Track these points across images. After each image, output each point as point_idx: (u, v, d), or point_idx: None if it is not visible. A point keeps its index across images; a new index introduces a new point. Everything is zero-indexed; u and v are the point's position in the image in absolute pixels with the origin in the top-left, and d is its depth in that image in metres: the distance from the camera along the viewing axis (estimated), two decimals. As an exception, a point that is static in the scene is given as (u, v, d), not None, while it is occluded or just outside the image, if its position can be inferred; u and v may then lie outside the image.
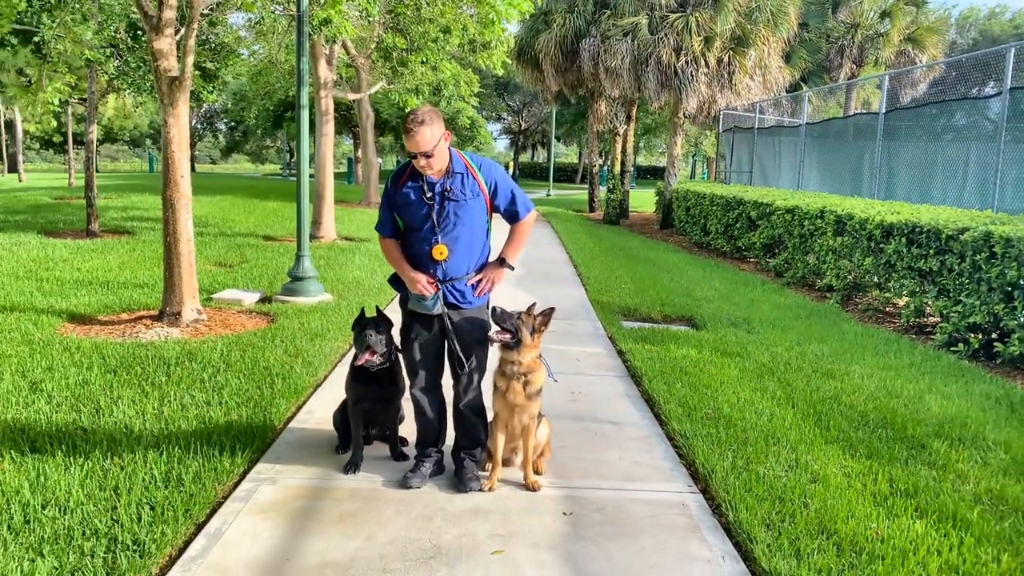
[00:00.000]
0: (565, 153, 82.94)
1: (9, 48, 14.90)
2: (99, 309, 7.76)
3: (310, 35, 9.34)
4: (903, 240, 8.26)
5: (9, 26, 7.36)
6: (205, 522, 3.46)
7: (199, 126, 59.83)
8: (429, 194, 3.65)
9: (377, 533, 3.40)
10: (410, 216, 3.71)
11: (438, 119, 3.55)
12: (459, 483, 3.81)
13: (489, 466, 3.99)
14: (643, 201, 30.08)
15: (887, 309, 9.29)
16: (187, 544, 3.26)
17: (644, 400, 5.50)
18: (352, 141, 43.19)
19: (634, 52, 17.93)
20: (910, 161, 11.95)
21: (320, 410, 5.00)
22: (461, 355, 3.80)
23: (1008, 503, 3.84)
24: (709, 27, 17.43)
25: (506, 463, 4.08)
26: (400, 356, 4.05)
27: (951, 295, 7.52)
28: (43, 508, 3.43)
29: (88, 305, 7.89)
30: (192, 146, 60.23)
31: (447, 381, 3.99)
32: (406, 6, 11.84)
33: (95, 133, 14.05)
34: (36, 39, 14.14)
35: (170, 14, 6.95)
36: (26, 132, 44.55)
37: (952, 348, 7.35)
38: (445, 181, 3.66)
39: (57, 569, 2.97)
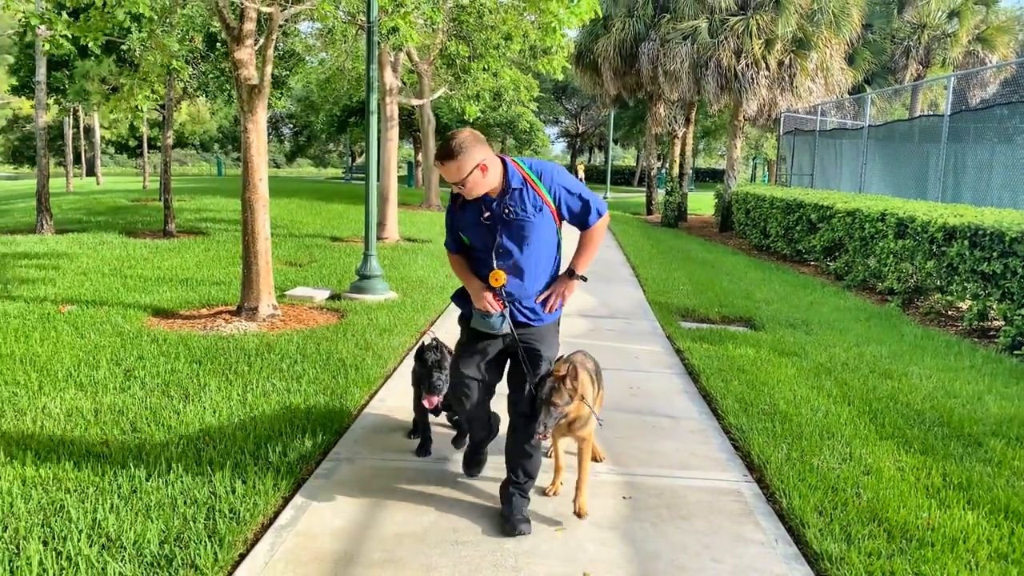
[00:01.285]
0: (623, 156, 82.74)
1: (94, 58, 15.75)
2: (180, 304, 8.23)
3: (378, 43, 9.69)
4: (966, 243, 8.22)
5: (102, 38, 7.86)
6: (291, 496, 3.77)
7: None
8: (487, 214, 3.34)
9: (448, 508, 3.67)
10: (471, 236, 3.43)
11: (474, 147, 3.19)
12: (506, 523, 3.49)
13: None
14: (702, 204, 29.92)
15: (949, 313, 9.23)
16: (277, 514, 3.57)
17: (701, 396, 5.65)
18: (412, 145, 43.89)
19: (693, 55, 17.98)
20: (977, 164, 11.79)
21: (391, 398, 5.30)
22: (537, 374, 3.46)
23: (1062, 498, 3.91)
24: (770, 29, 17.38)
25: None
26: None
27: (1015, 298, 7.47)
28: (147, 480, 3.79)
29: (170, 300, 8.37)
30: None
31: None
32: (468, 14, 12.16)
33: (171, 138, 14.74)
34: (123, 48, 14.91)
35: (250, 26, 7.37)
36: (101, 137, 46.38)
37: (1015, 352, 7.31)
38: (503, 200, 3.32)
39: (164, 531, 3.30)
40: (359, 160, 62.55)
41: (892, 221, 9.95)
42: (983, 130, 11.85)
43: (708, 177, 59.64)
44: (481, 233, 3.37)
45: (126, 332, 6.87)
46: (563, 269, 3.57)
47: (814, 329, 8.04)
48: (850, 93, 21.05)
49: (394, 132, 14.49)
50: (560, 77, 13.46)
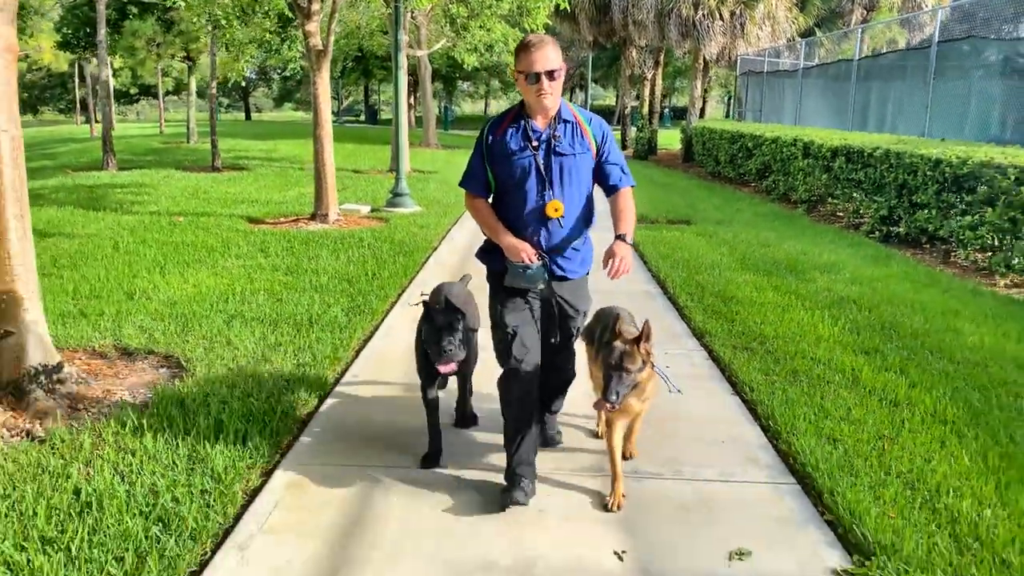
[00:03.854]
0: (604, 95, 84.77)
1: (138, 18, 18.20)
2: (264, 215, 11.09)
3: (398, 7, 12.34)
4: (843, 158, 11.19)
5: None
6: (404, 290, 6.72)
7: (254, 77, 63.12)
8: (535, 143, 3.15)
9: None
10: (510, 170, 3.18)
11: (559, 47, 3.11)
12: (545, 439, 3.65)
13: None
14: (672, 139, 32.69)
15: (838, 214, 12.23)
16: (401, 295, 6.53)
17: (653, 276, 8.61)
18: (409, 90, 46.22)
19: (658, 6, 20.64)
20: (880, 99, 14.67)
21: (425, 276, 8.25)
22: (575, 327, 3.43)
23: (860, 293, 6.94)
24: (724, -17, 20.02)
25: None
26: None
27: (871, 196, 10.47)
28: (279, 301, 6.72)
29: (256, 212, 11.23)
30: (246, 96, 64.06)
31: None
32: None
33: (215, 88, 17.35)
34: (165, 9, 17.34)
35: (317, 6, 10.07)
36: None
37: (870, 234, 10.33)
38: (552, 129, 3.17)
39: (283, 343, 6.23)
40: (345, 103, 65.42)
41: (800, 145, 12.90)
42: (881, 71, 14.70)
43: (682, 116, 61.99)
44: (524, 165, 3.16)
45: (239, 230, 9.75)
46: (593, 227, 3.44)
47: (732, 224, 11.03)
48: (803, 36, 23.74)
49: (404, 79, 17.15)
50: (542, 31, 16.12)
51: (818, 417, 4.07)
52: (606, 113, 63.44)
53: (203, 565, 2.77)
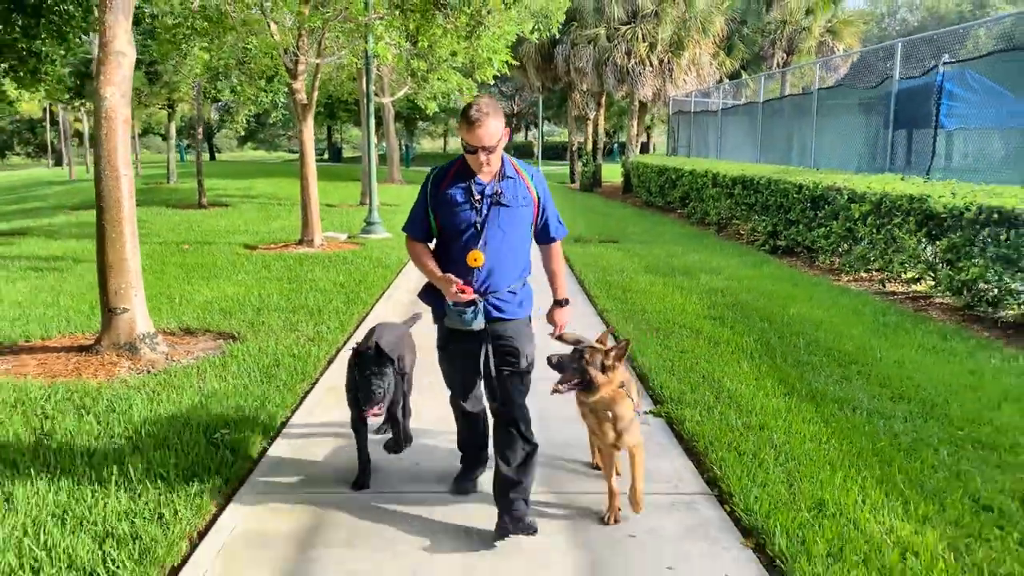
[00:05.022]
0: (559, 132, 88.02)
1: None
2: (257, 242, 13.09)
3: (368, 64, 14.52)
4: (740, 187, 13.58)
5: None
6: (370, 310, 8.78)
7: (216, 117, 64.91)
8: (477, 197, 3.31)
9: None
10: (452, 220, 3.35)
11: (500, 112, 3.27)
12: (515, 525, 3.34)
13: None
14: (616, 173, 35.37)
15: (740, 232, 14.61)
16: (379, 297, 8.60)
17: (576, 278, 10.78)
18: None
19: (596, 56, 23.19)
20: (785, 135, 17.19)
21: (400, 282, 10.32)
22: (516, 371, 3.43)
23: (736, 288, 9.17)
24: (653, 35, 22.65)
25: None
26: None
27: (761, 217, 12.83)
28: (290, 299, 8.76)
29: (250, 240, 13.23)
30: (210, 137, 65.82)
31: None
32: (426, 40, 16.99)
33: (201, 134, 19.35)
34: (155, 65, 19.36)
35: (302, 67, 12.21)
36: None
37: (763, 247, 12.65)
38: (496, 184, 3.34)
39: (303, 321, 8.29)
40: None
41: (710, 176, 15.31)
42: (780, 111, 17.25)
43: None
44: (465, 216, 3.31)
45: (240, 254, 11.75)
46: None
47: (651, 243, 13.31)
48: (731, 78, 26.52)
49: (373, 126, 19.35)
50: (491, 81, 18.40)
51: (663, 348, 6.25)
52: (559, 149, 66.49)
53: (286, 422, 4.81)
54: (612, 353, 3.36)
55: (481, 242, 3.30)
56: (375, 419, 3.77)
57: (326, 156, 58.96)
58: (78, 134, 48.45)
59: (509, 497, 3.34)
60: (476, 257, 3.30)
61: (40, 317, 7.44)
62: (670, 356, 6.08)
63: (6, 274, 9.98)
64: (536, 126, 68.56)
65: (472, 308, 3.31)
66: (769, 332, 6.89)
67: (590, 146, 27.97)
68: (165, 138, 73.51)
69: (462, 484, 3.83)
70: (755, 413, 4.80)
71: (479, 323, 3.34)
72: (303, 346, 6.30)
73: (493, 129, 3.17)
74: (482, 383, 3.54)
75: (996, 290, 7.14)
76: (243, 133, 70.20)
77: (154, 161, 62.13)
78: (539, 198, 3.47)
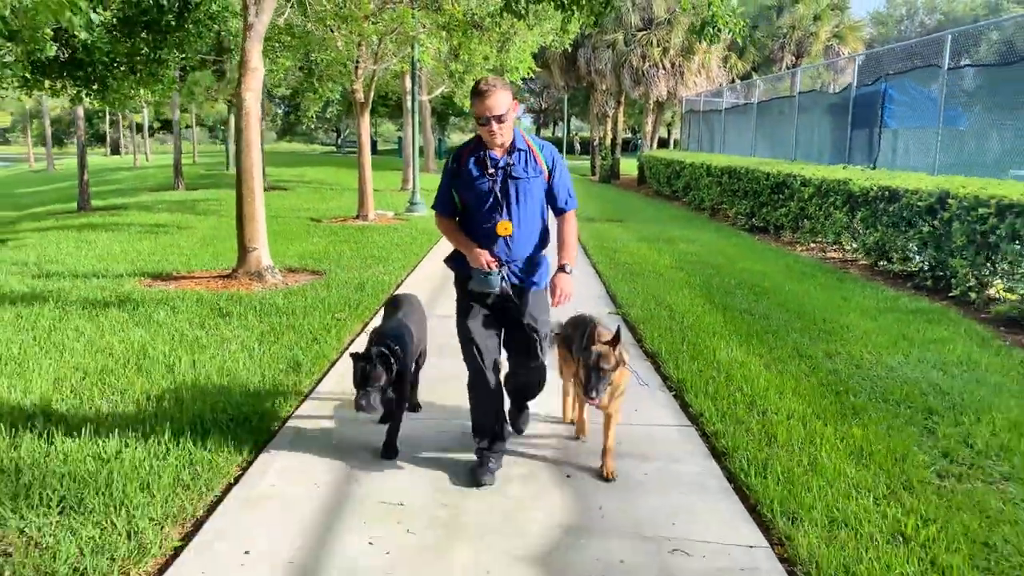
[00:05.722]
0: (585, 127, 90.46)
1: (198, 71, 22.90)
2: (320, 217, 15.74)
3: (413, 68, 17.09)
4: (727, 176, 15.99)
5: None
6: (421, 260, 11.36)
7: (281, 112, 68.08)
8: (491, 170, 3.58)
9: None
10: (472, 193, 3.64)
11: (508, 86, 3.54)
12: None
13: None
14: (634, 167, 37.78)
15: (728, 215, 16.99)
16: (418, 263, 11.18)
17: (580, 246, 13.28)
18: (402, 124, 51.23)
19: (614, 59, 25.59)
20: (770, 132, 19.51)
21: (440, 246, 12.90)
22: (536, 335, 3.79)
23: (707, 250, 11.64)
24: (665, 41, 25.01)
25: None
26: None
27: (742, 201, 15.22)
28: (359, 255, 11.36)
29: (317, 214, 15.88)
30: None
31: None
32: (466, 53, 19.59)
33: (264, 126, 22.07)
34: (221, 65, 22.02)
35: (361, 71, 14.81)
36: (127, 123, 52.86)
37: (743, 227, 15.03)
38: (508, 157, 3.61)
39: (375, 267, 10.89)
40: (342, 136, 71.06)
41: (704, 167, 17.72)
42: (770, 111, 19.57)
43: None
44: (483, 189, 3.61)
45: (311, 225, 14.40)
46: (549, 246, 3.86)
47: (650, 223, 15.76)
48: (743, 79, 28.77)
49: (416, 122, 22.00)
50: (520, 82, 20.90)
51: (632, 283, 8.75)
52: (585, 145, 68.94)
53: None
54: (616, 348, 3.67)
55: (502, 213, 3.62)
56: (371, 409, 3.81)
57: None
58: (138, 126, 51.88)
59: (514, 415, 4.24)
60: (506, 226, 3.62)
61: (177, 261, 10.12)
62: (635, 287, 8.59)
63: (130, 235, 12.73)
64: (563, 121, 71.23)
65: (498, 272, 3.64)
66: (714, 276, 9.36)
67: (608, 141, 30.42)
68: (212, 130, 76.92)
69: (481, 474, 3.78)
70: (682, 315, 7.30)
71: (504, 285, 3.67)
72: (378, 275, 8.90)
73: (502, 99, 3.47)
74: (499, 345, 3.87)
75: (888, 248, 9.55)
76: (280, 127, 73.75)
77: (206, 152, 65.73)
78: (550, 169, 3.72)
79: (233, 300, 7.60)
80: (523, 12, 7.24)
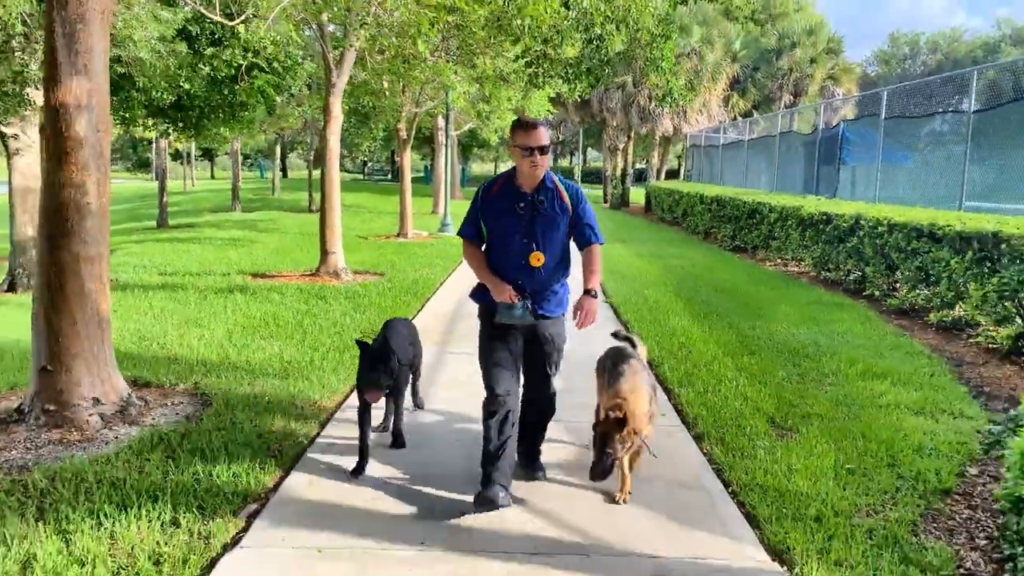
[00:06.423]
0: (599, 158, 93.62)
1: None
2: (366, 234, 18.44)
3: (447, 108, 19.88)
4: (716, 204, 18.58)
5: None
6: (452, 271, 14.01)
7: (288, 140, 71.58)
8: (521, 204, 3.85)
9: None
10: (500, 226, 3.91)
11: (548, 126, 3.89)
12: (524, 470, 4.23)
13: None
14: (643, 195, 40.45)
15: (718, 238, 19.53)
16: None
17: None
18: (431, 154, 54.48)
19: (623, 99, 28.37)
20: (756, 166, 22.11)
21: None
22: (552, 362, 4.09)
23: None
24: (670, 83, 27.75)
25: None
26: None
27: (726, 225, 17.77)
28: (408, 263, 14.03)
29: (360, 233, 18.60)
30: (284, 156, 72.78)
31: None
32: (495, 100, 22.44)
33: (312, 157, 24.91)
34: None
35: (404, 113, 17.55)
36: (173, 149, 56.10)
37: (728, 249, 17.57)
38: (536, 195, 3.86)
39: (421, 270, 13.54)
40: (370, 164, 74.70)
41: (697, 196, 20.33)
42: (757, 148, 22.19)
43: (656, 176, 70.36)
44: (511, 221, 3.88)
45: (359, 240, 17.10)
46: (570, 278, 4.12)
47: (648, 242, 18.34)
48: (744, 116, 31.47)
49: (447, 155, 24.82)
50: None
51: (624, 287, 11.32)
52: (598, 173, 71.93)
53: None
54: (625, 429, 3.82)
55: (533, 244, 3.84)
56: (374, 400, 4.32)
57: (388, 176, 65.12)
58: (178, 153, 55.14)
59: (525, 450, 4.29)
60: (539, 258, 3.84)
61: (265, 264, 12.83)
62: (622, 286, 11.17)
63: (214, 246, 15.51)
64: (579, 152, 74.37)
65: (522, 304, 3.86)
66: (688, 281, 11.92)
67: (618, 172, 33.16)
68: (248, 157, 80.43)
69: (490, 491, 3.77)
70: (653, 302, 9.87)
71: (528, 319, 3.90)
72: (427, 276, 11.55)
73: (544, 134, 3.79)
74: (518, 375, 4.04)
75: (827, 260, 12.10)
76: (312, 156, 77.46)
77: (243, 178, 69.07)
78: (573, 208, 3.94)
79: (323, 289, 10.26)
80: (542, 85, 9.93)
